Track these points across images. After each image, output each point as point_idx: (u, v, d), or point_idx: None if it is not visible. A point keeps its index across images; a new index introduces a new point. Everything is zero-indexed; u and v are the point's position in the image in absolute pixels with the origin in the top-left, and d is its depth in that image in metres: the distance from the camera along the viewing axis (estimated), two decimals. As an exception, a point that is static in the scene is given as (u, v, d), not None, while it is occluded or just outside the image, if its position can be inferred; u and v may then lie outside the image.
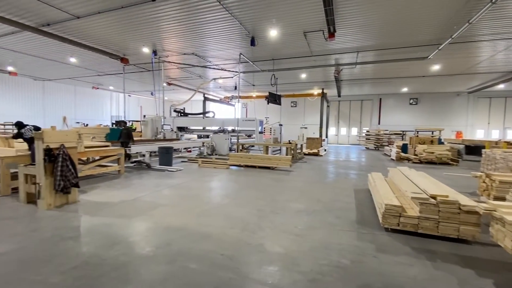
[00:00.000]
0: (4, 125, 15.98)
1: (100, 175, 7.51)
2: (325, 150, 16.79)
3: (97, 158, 7.52)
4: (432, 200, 3.61)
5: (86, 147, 7.00)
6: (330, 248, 3.24)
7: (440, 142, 12.88)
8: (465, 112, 22.19)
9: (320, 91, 20.58)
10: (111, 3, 7.63)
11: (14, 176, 5.34)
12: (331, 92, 21.62)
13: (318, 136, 18.84)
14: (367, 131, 21.71)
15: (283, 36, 9.87)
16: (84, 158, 7.70)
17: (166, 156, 9.42)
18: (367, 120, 25.16)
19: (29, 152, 5.64)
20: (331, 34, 8.80)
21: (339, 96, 21.95)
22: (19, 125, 5.95)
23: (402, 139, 18.60)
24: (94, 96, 24.02)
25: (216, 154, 12.77)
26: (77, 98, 22.75)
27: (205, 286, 2.39)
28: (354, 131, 25.69)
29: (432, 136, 13.30)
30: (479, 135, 22.01)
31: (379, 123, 24.33)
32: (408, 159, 12.44)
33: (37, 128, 5.61)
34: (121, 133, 9.99)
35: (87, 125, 20.28)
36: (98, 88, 22.59)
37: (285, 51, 11.68)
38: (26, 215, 4.18)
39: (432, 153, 11.63)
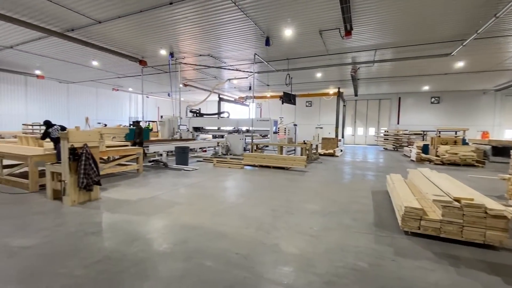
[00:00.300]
0: (32, 125, 16.96)
1: (120, 173, 7.79)
2: (341, 150, 16.47)
3: (117, 157, 7.81)
4: (456, 203, 3.45)
5: (107, 147, 7.29)
6: (346, 250, 3.18)
7: (464, 142, 12.28)
8: (492, 111, 20.99)
9: (336, 90, 20.23)
10: (131, 7, 7.89)
11: (42, 174, 5.66)
12: (348, 91, 21.18)
13: (334, 136, 18.52)
14: (385, 131, 21.08)
15: (298, 35, 9.79)
16: (105, 157, 8.01)
17: (182, 155, 9.62)
18: (385, 120, 24.41)
19: (55, 151, 5.95)
20: (348, 32, 8.62)
21: (356, 95, 21.43)
22: (48, 124, 6.26)
23: (423, 140, 17.89)
24: (114, 98, 24.95)
25: (230, 154, 12.88)
26: (98, 100, 23.73)
27: (220, 284, 2.42)
28: (372, 131, 25.01)
29: (456, 137, 12.70)
30: (507, 135, 20.73)
31: (398, 123, 23.55)
32: (429, 160, 11.94)
33: (63, 128, 5.88)
34: (134, 133, 10.32)
35: (106, 125, 21.14)
36: (118, 89, 23.45)
37: (300, 50, 11.58)
38: (53, 210, 4.42)
39: (456, 154, 11.11)
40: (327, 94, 21.64)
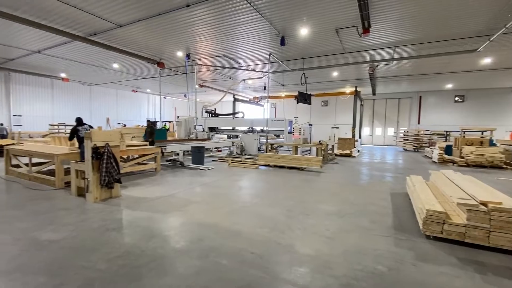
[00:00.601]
0: (58, 125, 17.88)
1: (138, 172, 8.05)
2: (358, 151, 16.09)
3: (136, 156, 8.06)
4: (483, 207, 3.27)
5: (127, 146, 7.55)
6: (364, 253, 3.10)
7: (491, 143, 11.62)
8: (522, 110, 19.71)
9: (353, 89, 19.78)
10: (150, 11, 8.12)
11: (67, 172, 5.96)
12: (365, 90, 20.64)
13: (350, 136, 18.12)
14: (405, 131, 20.35)
15: (314, 34, 9.67)
16: (125, 156, 8.30)
17: (198, 155, 9.78)
18: (405, 120, 23.57)
19: (79, 150, 6.24)
20: (366, 30, 8.40)
21: (373, 94, 20.86)
22: (79, 121, 6.56)
23: (446, 140, 17.12)
24: (133, 99, 25.80)
25: (245, 154, 12.94)
26: (118, 101, 24.64)
27: (236, 282, 2.44)
28: (391, 131, 24.23)
29: (482, 137, 12.04)
30: (540, 135, 19.37)
31: (418, 123, 22.66)
32: (453, 162, 11.40)
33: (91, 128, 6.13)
34: (146, 132, 10.60)
35: (125, 125, 21.91)
36: (137, 91, 24.23)
37: (316, 49, 11.43)
38: (77, 206, 4.64)
39: (482, 155, 10.53)
40: (343, 94, 21.21)
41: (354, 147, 15.27)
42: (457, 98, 21.29)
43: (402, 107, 23.72)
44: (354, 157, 13.72)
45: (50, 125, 18.22)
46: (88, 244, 3.15)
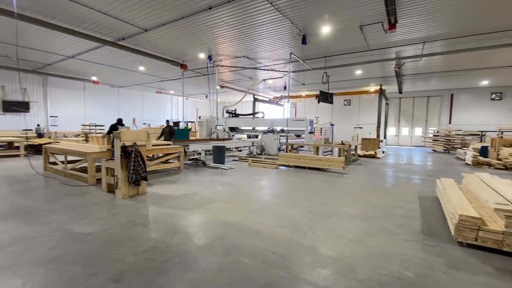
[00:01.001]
0: (89, 125, 19.04)
1: (163, 170, 8.35)
2: (383, 152, 15.48)
3: (161, 155, 8.38)
4: (524, 214, 3.01)
5: (152, 145, 7.86)
6: (389, 257, 2.99)
7: (533, 144, 10.64)
8: None
9: (377, 87, 19.05)
10: (173, 14, 8.40)
11: (98, 169, 6.33)
12: (391, 88, 19.80)
13: (375, 136, 17.48)
14: (435, 132, 19.23)
15: (336, 32, 9.45)
16: (150, 155, 8.66)
17: (219, 154, 9.95)
18: (435, 119, 22.28)
19: (112, 149, 6.60)
20: (392, 26, 8.06)
21: (400, 92, 19.94)
22: (119, 121, 6.98)
23: (481, 141, 15.96)
24: (157, 100, 26.81)
25: (265, 154, 12.95)
26: (144, 102, 25.73)
27: (258, 281, 2.45)
28: (418, 131, 23.03)
29: (522, 137, 11.07)
30: None
31: (449, 122, 21.32)
32: (489, 164, 10.61)
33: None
34: (163, 131, 10.91)
35: (149, 125, 22.83)
36: (161, 92, 25.16)
37: (338, 47, 11.16)
38: (107, 202, 4.92)
39: (522, 157, 9.69)
40: (367, 92, 20.51)
41: (379, 148, 14.72)
42: (494, 95, 19.74)
43: (431, 105, 22.46)
44: (379, 158, 13.23)
45: (82, 125, 19.45)
46: (117, 238, 3.33)
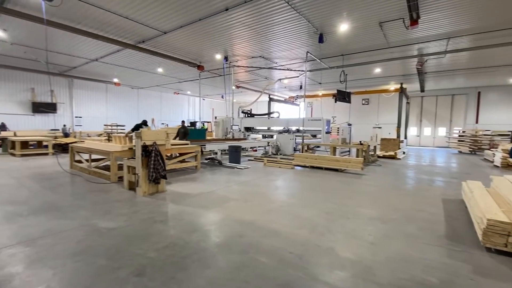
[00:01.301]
0: (111, 125, 19.83)
1: (181, 169, 8.55)
2: (403, 152, 14.95)
3: (178, 154, 8.57)
4: (562, 220, 2.81)
5: (171, 145, 8.06)
6: (411, 262, 2.88)
7: None
8: None
9: (397, 86, 18.42)
10: (191, 17, 8.57)
11: (120, 167, 6.59)
12: (412, 86, 19.07)
13: (395, 136, 16.92)
14: (460, 132, 18.28)
15: (354, 29, 9.25)
16: (169, 154, 8.88)
17: (235, 154, 10.03)
18: (460, 118, 21.21)
19: (134, 148, 6.83)
20: (414, 22, 7.77)
21: (422, 91, 19.17)
22: (144, 122, 7.25)
23: (511, 142, 15.00)
24: (175, 100, 27.46)
25: (280, 154, 12.90)
26: (162, 102, 26.46)
27: (275, 280, 2.46)
28: (442, 131, 22.01)
29: (559, 138, 10.27)
30: None
31: (476, 122, 20.21)
32: (520, 166, 9.94)
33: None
34: (178, 132, 11.11)
35: (167, 125, 23.43)
36: (178, 93, 25.75)
37: (357, 45, 10.91)
38: (128, 199, 5.11)
39: (559, 159, 9.00)
40: (387, 91, 19.87)
41: (399, 149, 14.23)
42: (526, 93, 18.49)
43: (456, 104, 21.40)
44: (399, 159, 12.78)
45: (104, 125, 20.30)
46: (139, 234, 3.46)
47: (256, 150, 15.27)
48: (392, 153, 13.13)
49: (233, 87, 16.23)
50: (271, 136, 16.46)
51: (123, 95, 23.17)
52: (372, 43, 10.57)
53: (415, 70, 14.19)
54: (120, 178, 6.56)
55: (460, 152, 17.28)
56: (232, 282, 2.42)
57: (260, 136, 18.53)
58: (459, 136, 17.89)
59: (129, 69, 15.89)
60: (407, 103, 21.01)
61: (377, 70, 15.03)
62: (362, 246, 3.25)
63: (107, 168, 7.10)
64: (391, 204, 5.14)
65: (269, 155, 12.61)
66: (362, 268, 2.73)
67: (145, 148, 5.27)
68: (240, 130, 16.90)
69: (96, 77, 18.79)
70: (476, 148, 16.48)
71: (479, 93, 20.13)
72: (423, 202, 5.31)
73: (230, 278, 2.48)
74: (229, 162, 9.93)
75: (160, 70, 15.97)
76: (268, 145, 13.60)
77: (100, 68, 15.81)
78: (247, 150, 14.62)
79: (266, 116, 19.25)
